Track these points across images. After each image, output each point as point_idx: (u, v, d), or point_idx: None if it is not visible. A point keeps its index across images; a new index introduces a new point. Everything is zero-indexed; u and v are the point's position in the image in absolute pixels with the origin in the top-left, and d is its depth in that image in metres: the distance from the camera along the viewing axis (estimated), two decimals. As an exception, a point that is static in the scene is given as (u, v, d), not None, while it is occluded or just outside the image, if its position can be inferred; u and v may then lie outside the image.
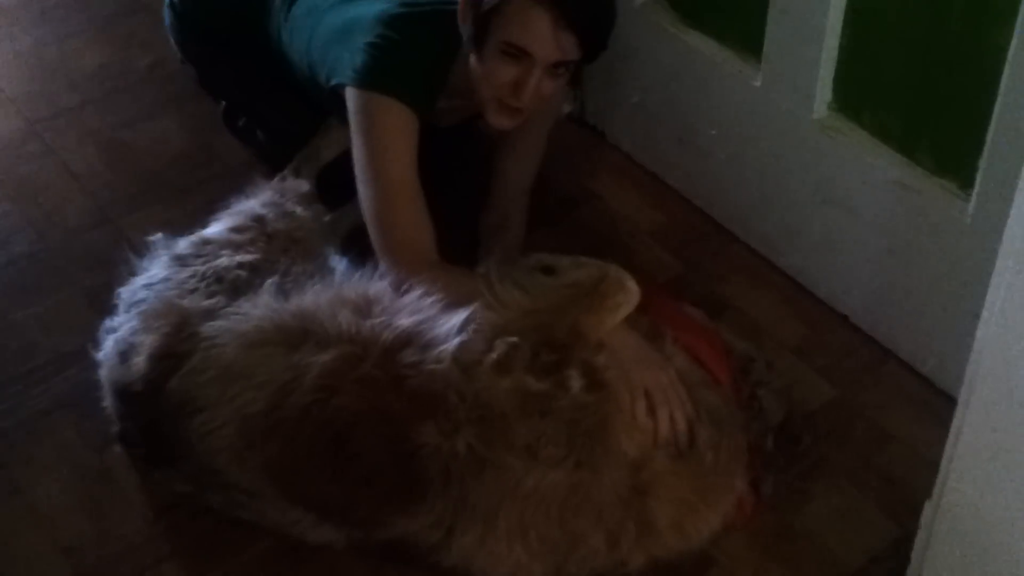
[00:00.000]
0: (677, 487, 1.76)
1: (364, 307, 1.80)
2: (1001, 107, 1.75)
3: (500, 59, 2.03)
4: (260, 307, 1.83)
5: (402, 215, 2.05)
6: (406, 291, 1.84)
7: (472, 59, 2.08)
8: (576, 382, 1.73)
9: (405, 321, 1.78)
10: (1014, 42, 1.69)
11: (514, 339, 1.74)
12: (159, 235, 2.07)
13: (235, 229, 2.01)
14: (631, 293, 1.81)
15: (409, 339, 1.76)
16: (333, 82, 2.17)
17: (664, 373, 1.80)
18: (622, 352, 1.79)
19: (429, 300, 1.82)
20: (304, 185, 2.19)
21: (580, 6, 1.99)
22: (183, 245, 2.00)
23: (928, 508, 1.70)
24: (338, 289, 1.86)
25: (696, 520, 1.78)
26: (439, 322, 1.79)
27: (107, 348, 1.93)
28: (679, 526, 1.77)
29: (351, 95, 2.11)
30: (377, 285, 1.86)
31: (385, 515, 1.74)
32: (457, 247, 2.09)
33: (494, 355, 1.73)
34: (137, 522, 1.92)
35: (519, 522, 1.70)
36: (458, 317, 1.78)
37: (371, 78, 2.09)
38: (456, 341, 1.75)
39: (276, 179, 2.25)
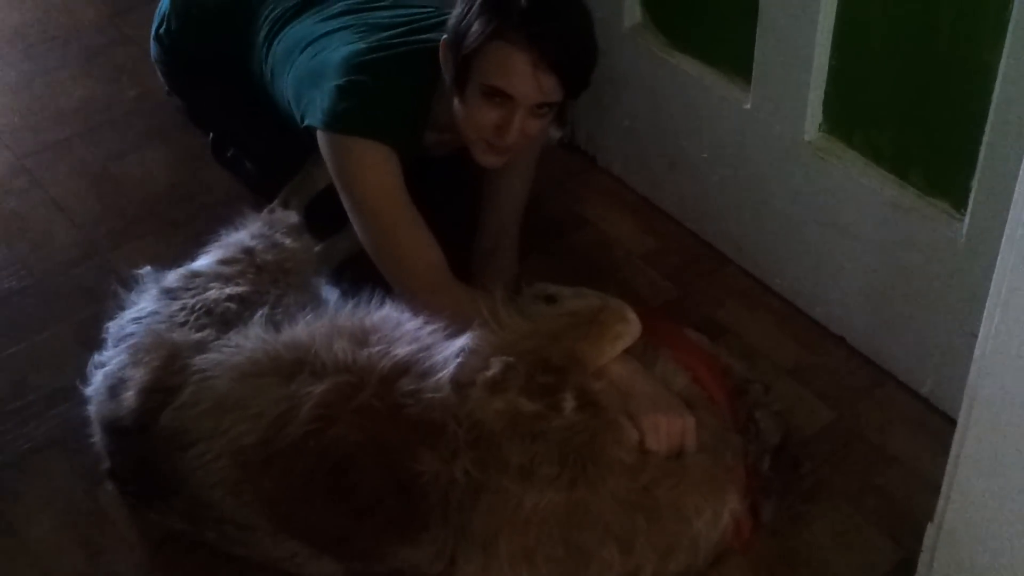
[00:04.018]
0: (680, 473, 1.76)
1: (361, 336, 1.79)
2: (992, 126, 1.75)
3: (482, 101, 2.04)
4: (251, 339, 1.82)
5: (404, 246, 2.07)
6: (423, 319, 1.85)
7: (455, 101, 2.08)
8: (569, 404, 1.72)
9: (402, 350, 1.77)
10: (1003, 60, 1.69)
11: (510, 359, 1.73)
12: (147, 268, 2.06)
13: (224, 261, 2.00)
14: (631, 324, 1.82)
15: (407, 368, 1.75)
16: (306, 123, 2.19)
17: (681, 419, 1.78)
18: (638, 397, 1.78)
19: (428, 329, 1.82)
20: (293, 216, 2.18)
21: (560, 47, 1.99)
22: (172, 278, 1.99)
23: (931, 530, 1.69)
24: (333, 319, 1.85)
25: (699, 501, 1.76)
26: (437, 350, 1.78)
27: (96, 383, 1.91)
28: (680, 509, 1.75)
29: (321, 138, 2.13)
30: (374, 315, 1.85)
31: (385, 546, 1.72)
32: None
33: (489, 373, 1.72)
34: (131, 559, 1.90)
35: (522, 546, 1.69)
36: (456, 344, 1.78)
37: (338, 121, 2.10)
38: (454, 364, 1.74)
39: (265, 210, 2.25)
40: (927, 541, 1.71)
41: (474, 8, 2.00)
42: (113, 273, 2.33)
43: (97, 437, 1.91)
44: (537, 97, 2.03)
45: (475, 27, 1.99)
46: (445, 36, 2.08)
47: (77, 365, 2.00)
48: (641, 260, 2.44)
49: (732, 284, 2.38)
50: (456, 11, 2.05)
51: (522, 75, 1.99)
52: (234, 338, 1.82)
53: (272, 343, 1.80)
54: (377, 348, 1.77)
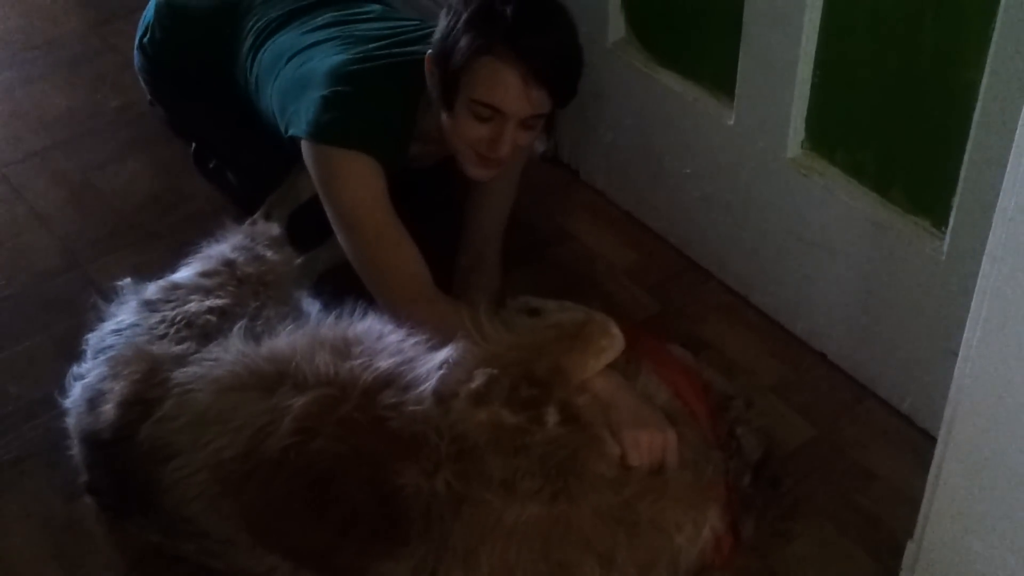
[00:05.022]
0: (661, 488, 1.76)
1: (343, 349, 1.79)
2: (974, 144, 1.76)
3: (472, 116, 2.04)
4: (232, 352, 1.81)
5: (388, 258, 2.07)
6: (405, 331, 1.84)
7: (443, 116, 2.09)
8: (552, 418, 1.72)
9: (385, 362, 1.76)
10: (985, 79, 1.70)
11: (494, 371, 1.73)
12: (127, 280, 2.05)
13: (205, 274, 1.99)
14: (615, 339, 1.82)
15: (389, 380, 1.74)
16: (290, 133, 2.19)
17: (663, 435, 1.78)
18: (621, 411, 1.78)
19: (411, 341, 1.82)
20: (275, 228, 2.17)
21: (548, 61, 2.00)
22: (152, 290, 1.98)
23: (911, 547, 1.69)
24: (315, 331, 1.85)
25: (679, 517, 1.76)
26: (420, 362, 1.78)
27: (75, 395, 1.90)
28: (661, 524, 1.75)
29: (306, 148, 2.13)
30: (356, 327, 1.85)
31: (366, 560, 1.71)
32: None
33: (472, 385, 1.72)
34: (108, 573, 1.89)
35: (503, 560, 1.68)
36: (439, 356, 1.78)
37: (323, 131, 2.10)
38: (436, 376, 1.74)
39: (247, 223, 2.23)
40: (907, 558, 1.71)
41: (460, 24, 2.00)
42: (93, 284, 2.32)
43: (75, 450, 1.90)
44: (528, 110, 2.03)
45: (462, 43, 1.99)
46: (431, 51, 2.07)
47: (56, 377, 1.99)
48: (623, 274, 2.44)
49: (714, 299, 2.38)
50: (441, 25, 2.05)
51: (512, 90, 2.00)
52: (214, 351, 1.82)
53: (253, 356, 1.80)
54: (359, 360, 1.76)
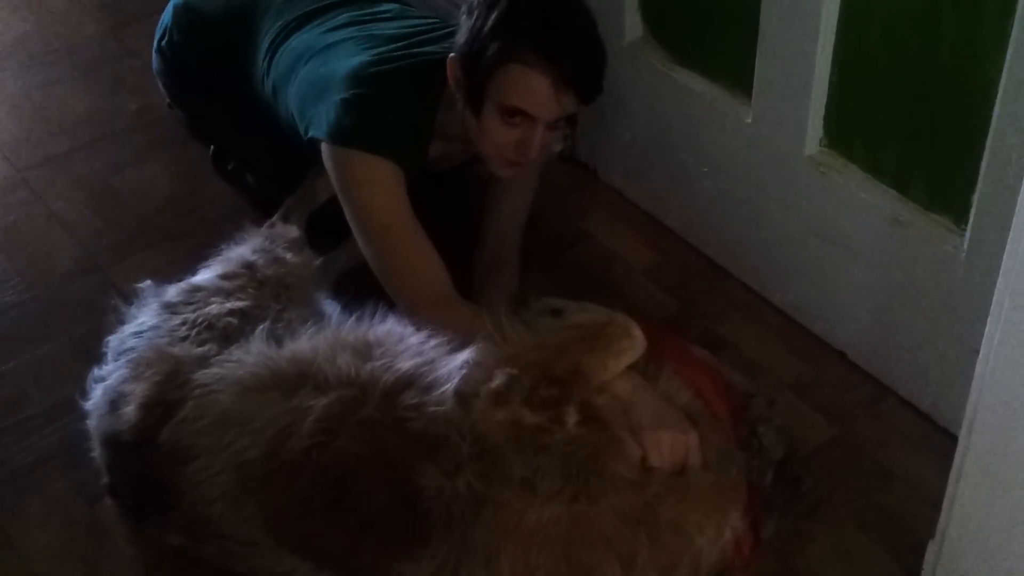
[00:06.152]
0: (682, 489, 1.75)
1: (364, 351, 1.79)
2: (993, 141, 1.75)
3: (501, 121, 2.05)
4: (253, 354, 1.82)
5: (408, 263, 2.07)
6: (426, 334, 1.84)
7: (469, 119, 2.09)
8: (572, 418, 1.72)
9: (406, 364, 1.77)
10: (1005, 76, 1.69)
11: (514, 371, 1.73)
12: (148, 282, 2.05)
13: (225, 276, 2.00)
14: (636, 340, 1.81)
15: (410, 381, 1.75)
16: (310, 135, 2.19)
17: (684, 436, 1.77)
18: (641, 413, 1.77)
19: (432, 343, 1.82)
20: (294, 230, 2.18)
21: (576, 63, 2.01)
22: (173, 292, 1.99)
23: (931, 548, 1.69)
24: (336, 333, 1.85)
25: (701, 519, 1.76)
26: (441, 364, 1.78)
27: (96, 397, 1.90)
28: (682, 525, 1.75)
29: (326, 151, 2.13)
30: (377, 329, 1.85)
31: (387, 562, 1.71)
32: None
33: (492, 385, 1.72)
34: (129, 575, 1.89)
35: (524, 562, 1.68)
36: (460, 357, 1.78)
37: (344, 135, 2.10)
38: (457, 377, 1.74)
39: (266, 225, 2.24)
40: (928, 558, 1.71)
41: (485, 30, 2.00)
42: (113, 287, 2.34)
43: (96, 452, 1.90)
44: (557, 113, 2.04)
45: (489, 50, 1.99)
46: (453, 55, 2.07)
47: (77, 379, 1.99)
48: (642, 274, 2.44)
49: (733, 298, 2.37)
50: (463, 28, 2.05)
51: (542, 95, 2.00)
52: (236, 353, 1.82)
53: (274, 357, 1.80)
54: (380, 362, 1.77)
